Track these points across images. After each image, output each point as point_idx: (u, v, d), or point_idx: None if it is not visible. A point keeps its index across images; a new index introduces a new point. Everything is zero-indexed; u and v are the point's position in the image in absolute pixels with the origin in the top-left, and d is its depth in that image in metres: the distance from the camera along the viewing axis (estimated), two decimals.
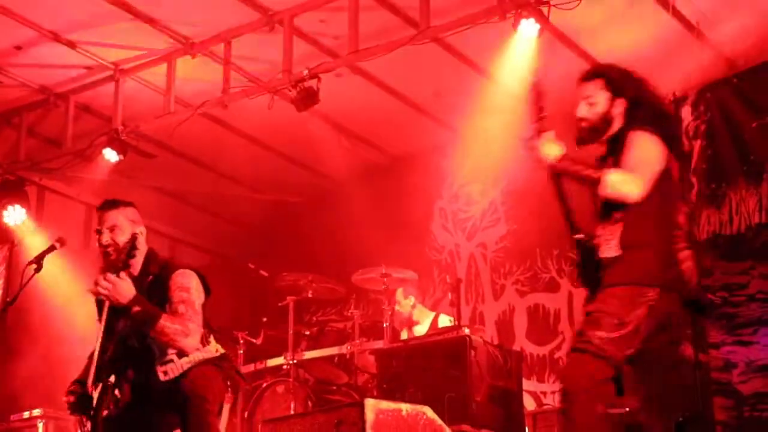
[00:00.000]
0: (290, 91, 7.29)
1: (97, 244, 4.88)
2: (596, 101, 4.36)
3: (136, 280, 4.73)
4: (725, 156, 6.85)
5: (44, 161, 8.63)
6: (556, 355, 8.24)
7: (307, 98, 7.23)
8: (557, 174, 4.20)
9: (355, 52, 7.13)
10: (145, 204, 8.55)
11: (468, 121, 8.21)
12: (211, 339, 4.83)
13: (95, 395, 4.62)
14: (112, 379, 4.69)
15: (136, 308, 4.55)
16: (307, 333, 7.78)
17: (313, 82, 7.21)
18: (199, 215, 10.30)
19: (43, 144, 8.80)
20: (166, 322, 4.56)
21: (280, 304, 8.01)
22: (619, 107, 4.33)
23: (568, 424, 3.95)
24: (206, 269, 5.08)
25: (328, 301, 9.17)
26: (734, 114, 6.92)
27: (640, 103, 4.33)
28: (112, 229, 4.83)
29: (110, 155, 8.06)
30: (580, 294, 8.04)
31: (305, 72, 7.20)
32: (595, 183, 4.13)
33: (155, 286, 4.77)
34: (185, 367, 4.69)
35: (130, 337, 4.71)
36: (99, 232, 4.85)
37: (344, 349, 7.46)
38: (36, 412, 7.86)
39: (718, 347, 6.62)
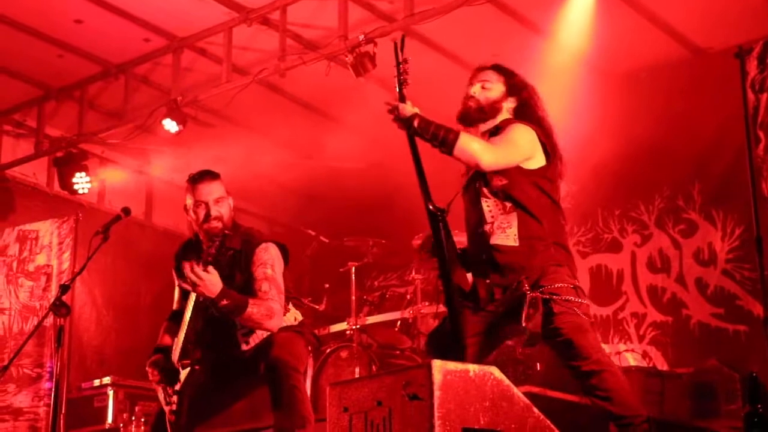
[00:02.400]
0: (347, 56, 7.28)
1: (197, 218, 4.79)
2: (491, 87, 4.44)
3: (218, 254, 4.68)
4: None
5: (105, 132, 8.73)
6: (619, 316, 8.19)
7: (364, 63, 7.22)
8: (414, 141, 4.22)
9: (411, 16, 7.09)
10: None
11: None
12: (290, 307, 4.85)
13: (182, 371, 4.70)
14: (197, 354, 4.79)
15: (224, 302, 4.53)
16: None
17: (369, 47, 7.19)
18: (259, 183, 10.36)
19: (104, 116, 8.92)
20: (252, 309, 4.57)
21: (341, 270, 8.06)
22: (510, 104, 4.44)
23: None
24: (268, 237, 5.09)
25: (389, 266, 9.20)
26: None
27: (529, 107, 4.45)
28: (218, 201, 4.80)
29: (170, 126, 8.12)
30: (643, 254, 8.08)
31: (361, 37, 7.19)
32: (447, 143, 4.15)
33: (238, 261, 4.76)
34: (264, 335, 4.73)
35: (210, 308, 4.70)
36: (204, 205, 4.77)
37: (407, 313, 7.48)
38: (106, 380, 8.01)
39: None
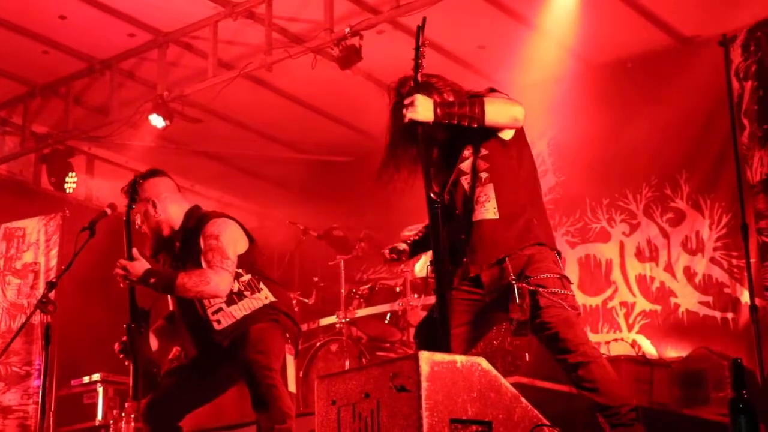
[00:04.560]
0: (333, 49, 7.28)
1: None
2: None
3: (175, 235, 4.93)
4: None
5: (92, 130, 8.71)
6: (608, 305, 8.20)
7: (350, 56, 7.21)
8: (422, 132, 4.05)
9: (397, 8, 7.09)
10: (192, 168, 8.66)
11: (512, 73, 8.13)
12: (262, 286, 4.89)
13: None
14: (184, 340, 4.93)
15: (152, 280, 4.70)
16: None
17: (355, 40, 7.18)
18: (247, 178, 10.35)
19: (91, 112, 8.89)
20: (183, 280, 4.68)
21: (330, 264, 8.05)
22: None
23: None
24: (256, 231, 5.14)
25: (378, 259, 9.17)
26: None
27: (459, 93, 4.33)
28: (134, 222, 5.00)
29: (156, 121, 8.11)
30: (632, 243, 8.10)
31: (347, 30, 7.18)
32: (476, 113, 4.03)
33: (189, 240, 4.89)
34: (237, 316, 4.80)
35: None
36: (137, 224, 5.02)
37: (396, 306, 7.47)
38: (95, 377, 7.99)
39: None
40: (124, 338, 4.91)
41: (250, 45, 7.94)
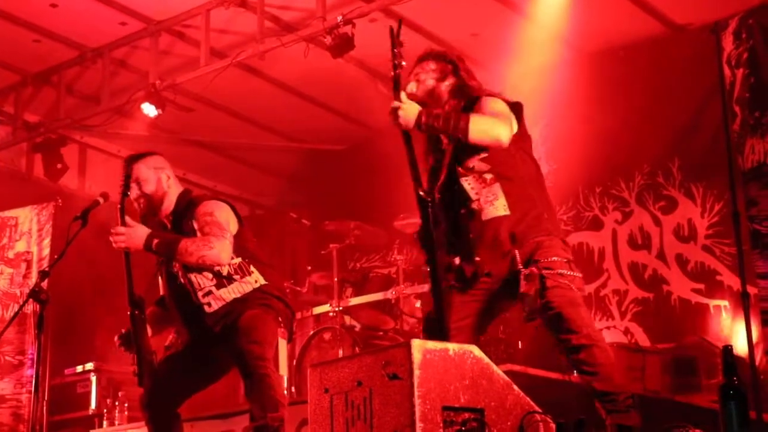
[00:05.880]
0: (325, 38, 7.27)
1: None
2: (424, 78, 4.42)
3: (167, 217, 4.93)
4: None
5: (84, 118, 8.69)
6: (601, 293, 8.22)
7: (343, 45, 7.21)
8: (409, 135, 4.12)
9: None
10: (184, 157, 8.66)
11: (506, 61, 8.13)
12: (253, 269, 4.89)
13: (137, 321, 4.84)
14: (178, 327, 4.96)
15: (155, 241, 4.70)
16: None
17: (347, 29, 7.17)
18: (239, 167, 10.34)
19: (82, 101, 8.87)
20: (186, 243, 4.69)
21: (323, 252, 8.05)
22: (448, 85, 4.42)
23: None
24: (248, 220, 5.14)
25: (371, 248, 9.20)
26: None
27: (468, 82, 4.44)
28: (137, 182, 4.94)
29: (148, 110, 8.10)
30: (624, 231, 8.11)
31: (339, 18, 7.17)
32: (460, 129, 4.08)
33: (182, 220, 4.89)
34: (227, 299, 4.80)
35: (178, 277, 4.87)
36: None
37: (389, 294, 7.49)
38: (89, 365, 8.00)
39: (766, 277, 6.56)
40: (123, 330, 4.91)
41: (243, 33, 7.93)
